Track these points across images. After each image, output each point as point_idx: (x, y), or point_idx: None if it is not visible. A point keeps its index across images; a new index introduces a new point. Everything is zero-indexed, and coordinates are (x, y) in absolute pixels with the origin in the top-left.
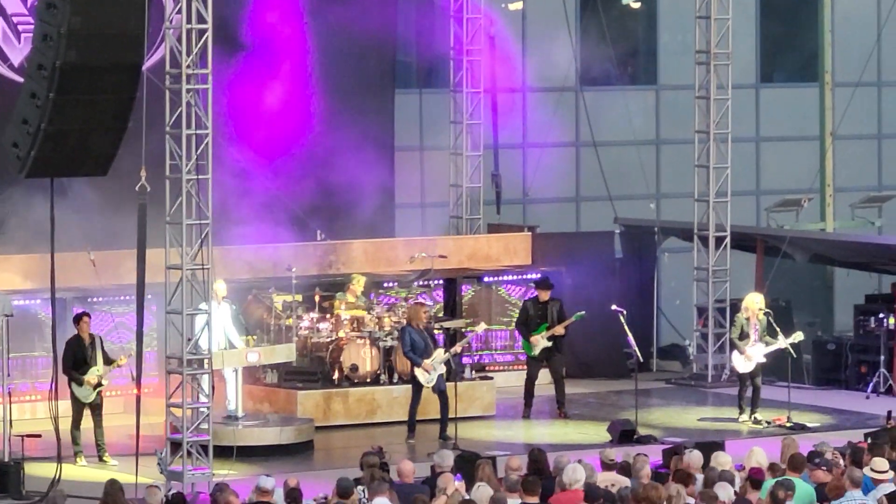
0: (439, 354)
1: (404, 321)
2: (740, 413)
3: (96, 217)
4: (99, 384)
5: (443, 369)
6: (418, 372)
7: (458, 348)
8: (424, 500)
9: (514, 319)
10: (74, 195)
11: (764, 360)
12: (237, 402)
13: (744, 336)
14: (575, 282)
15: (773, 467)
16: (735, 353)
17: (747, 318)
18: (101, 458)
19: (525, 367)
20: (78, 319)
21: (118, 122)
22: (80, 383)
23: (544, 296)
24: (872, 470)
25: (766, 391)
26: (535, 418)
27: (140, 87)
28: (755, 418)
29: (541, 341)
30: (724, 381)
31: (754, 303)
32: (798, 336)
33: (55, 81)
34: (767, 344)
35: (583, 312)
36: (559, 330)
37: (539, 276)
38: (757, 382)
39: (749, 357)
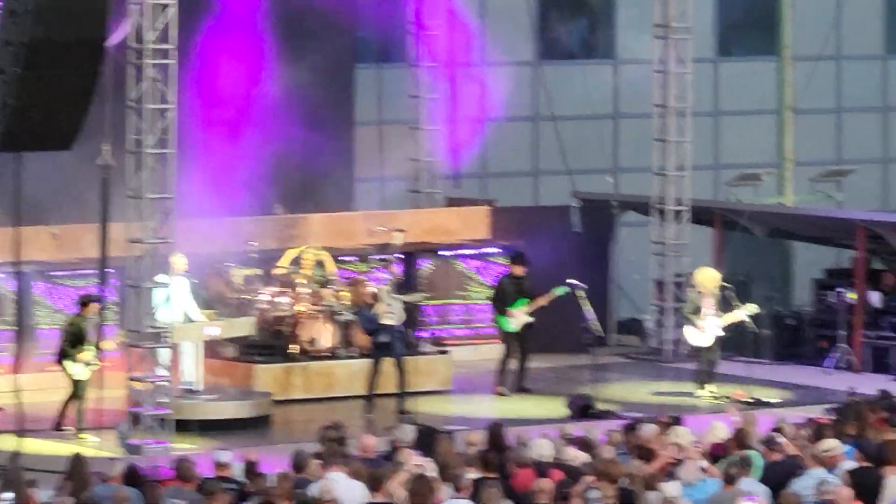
0: (396, 300)
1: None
2: (699, 387)
3: (58, 191)
4: (92, 362)
5: (401, 309)
6: (381, 316)
7: (415, 298)
8: (385, 474)
9: (471, 293)
10: (37, 169)
11: (721, 333)
12: (197, 376)
13: (698, 311)
14: (533, 256)
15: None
16: (689, 327)
17: (699, 293)
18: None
19: (489, 343)
20: (87, 303)
21: (83, 97)
22: (75, 360)
23: (520, 270)
24: (823, 451)
25: (726, 366)
26: (488, 392)
27: (104, 62)
28: (710, 392)
29: (521, 316)
30: (683, 355)
31: (709, 278)
32: (752, 308)
33: (22, 57)
34: (721, 317)
35: (566, 287)
36: (543, 302)
37: (513, 251)
38: (713, 357)
39: (703, 329)
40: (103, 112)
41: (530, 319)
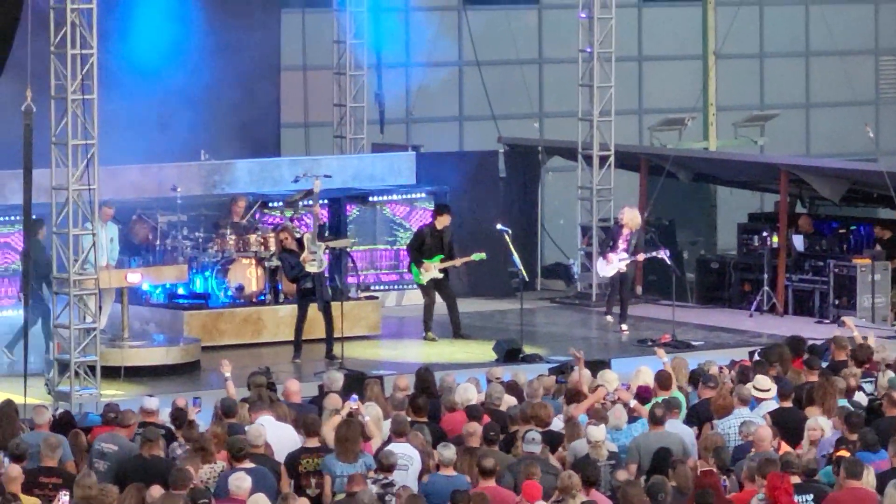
0: (320, 247)
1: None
2: (606, 314)
3: None
4: None
5: (323, 255)
6: (305, 263)
7: (341, 243)
8: (316, 419)
9: (398, 239)
10: None
11: (624, 269)
12: (123, 322)
13: (610, 245)
14: (459, 201)
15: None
16: (599, 258)
17: (620, 228)
18: None
19: (417, 288)
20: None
21: (3, 43)
22: None
23: (441, 223)
24: (755, 388)
25: (651, 310)
26: (417, 337)
27: (24, 7)
28: (621, 327)
29: (433, 270)
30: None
31: (633, 215)
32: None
33: None
34: (635, 255)
35: (483, 255)
36: (457, 262)
37: (438, 203)
38: (624, 294)
39: (609, 261)
40: (26, 57)
41: (439, 276)
